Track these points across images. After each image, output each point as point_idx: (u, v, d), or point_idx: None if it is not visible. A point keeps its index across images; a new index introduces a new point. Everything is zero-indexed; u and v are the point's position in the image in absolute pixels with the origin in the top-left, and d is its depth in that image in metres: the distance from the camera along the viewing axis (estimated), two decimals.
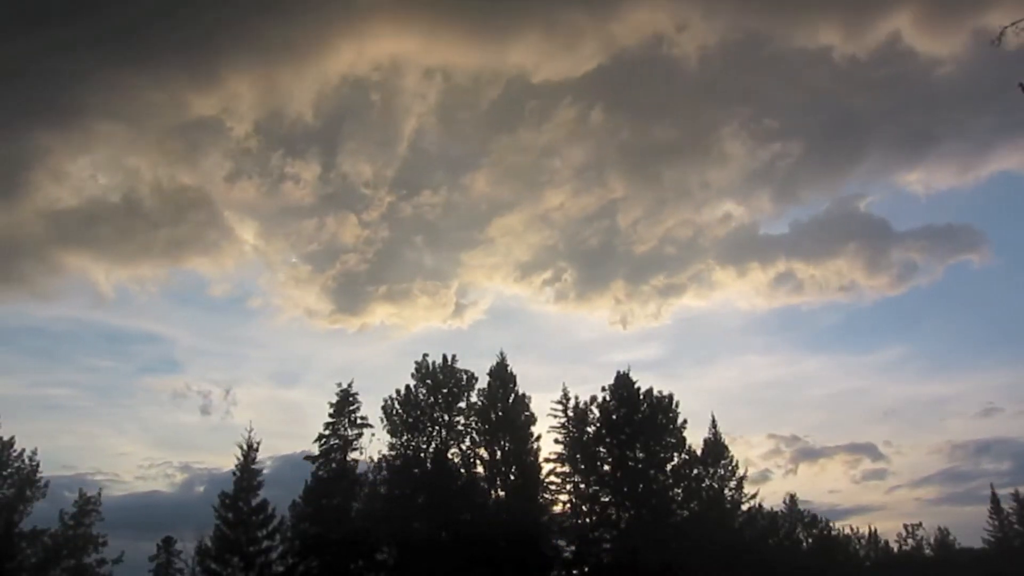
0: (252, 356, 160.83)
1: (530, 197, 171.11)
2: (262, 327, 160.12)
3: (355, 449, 53.64)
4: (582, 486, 56.27)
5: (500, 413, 55.88)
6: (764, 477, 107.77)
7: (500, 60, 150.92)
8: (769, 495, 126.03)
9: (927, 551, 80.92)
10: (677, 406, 58.56)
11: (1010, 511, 76.46)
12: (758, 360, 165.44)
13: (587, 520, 55.65)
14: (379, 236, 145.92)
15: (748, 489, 60.53)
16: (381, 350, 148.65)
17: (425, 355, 57.44)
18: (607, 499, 55.93)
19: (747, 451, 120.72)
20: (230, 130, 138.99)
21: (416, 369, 56.93)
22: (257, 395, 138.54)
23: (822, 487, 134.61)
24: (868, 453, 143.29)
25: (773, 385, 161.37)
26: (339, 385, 55.05)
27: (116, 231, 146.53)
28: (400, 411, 55.13)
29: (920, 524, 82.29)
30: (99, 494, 49.85)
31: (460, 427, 55.46)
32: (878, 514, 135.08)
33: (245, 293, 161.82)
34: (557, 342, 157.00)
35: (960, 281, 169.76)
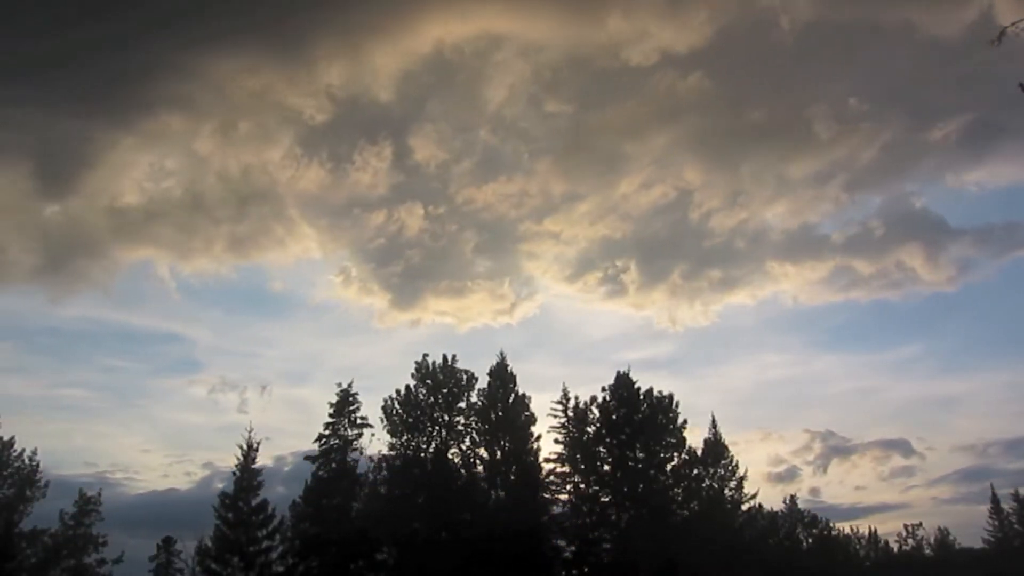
0: (296, 353, 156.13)
1: (602, 186, 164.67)
2: (312, 323, 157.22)
3: (355, 449, 53.72)
4: (582, 486, 56.29)
5: (500, 413, 55.86)
6: (793, 474, 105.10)
7: (593, 37, 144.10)
8: (796, 491, 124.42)
9: (927, 551, 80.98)
10: (677, 406, 58.71)
11: (1010, 511, 76.53)
12: (791, 357, 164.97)
13: (587, 520, 55.60)
14: (446, 230, 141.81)
15: (748, 489, 60.76)
16: (430, 346, 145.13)
17: (425, 355, 57.55)
18: (607, 499, 55.96)
19: (780, 447, 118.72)
20: (309, 118, 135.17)
21: (416, 369, 56.92)
22: (296, 392, 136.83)
23: (851, 483, 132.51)
24: (900, 449, 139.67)
25: (813, 381, 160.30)
26: (339, 385, 55.09)
27: (178, 226, 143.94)
28: (400, 411, 55.16)
29: (920, 524, 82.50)
30: (99, 494, 50.07)
31: (460, 427, 55.46)
32: (905, 512, 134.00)
33: (299, 289, 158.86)
34: (604, 339, 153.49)
35: (1015, 278, 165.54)
